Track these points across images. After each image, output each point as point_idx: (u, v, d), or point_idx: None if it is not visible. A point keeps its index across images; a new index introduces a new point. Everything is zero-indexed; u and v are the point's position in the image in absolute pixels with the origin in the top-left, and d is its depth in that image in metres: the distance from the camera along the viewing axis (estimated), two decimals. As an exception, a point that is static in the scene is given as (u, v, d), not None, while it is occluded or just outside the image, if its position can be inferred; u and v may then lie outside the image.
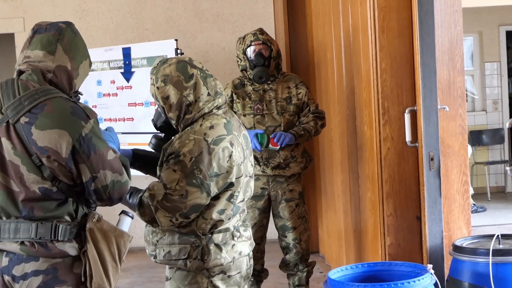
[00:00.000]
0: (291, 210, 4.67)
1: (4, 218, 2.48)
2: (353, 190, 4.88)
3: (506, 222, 7.38)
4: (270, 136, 4.50)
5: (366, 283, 3.24)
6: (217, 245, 2.86)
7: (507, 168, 3.44)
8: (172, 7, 7.08)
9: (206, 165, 2.76)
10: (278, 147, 4.51)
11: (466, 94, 9.38)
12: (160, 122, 2.97)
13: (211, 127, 2.82)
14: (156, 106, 2.98)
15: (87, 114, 2.46)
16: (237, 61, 4.72)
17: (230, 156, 2.83)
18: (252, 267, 3.08)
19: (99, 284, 2.48)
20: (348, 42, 4.82)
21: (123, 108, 5.89)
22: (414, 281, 3.15)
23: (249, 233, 3.02)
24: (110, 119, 5.98)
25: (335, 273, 3.44)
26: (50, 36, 2.53)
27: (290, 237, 4.69)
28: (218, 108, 2.91)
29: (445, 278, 3.68)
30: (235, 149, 2.86)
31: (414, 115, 3.89)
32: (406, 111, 3.91)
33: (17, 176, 2.43)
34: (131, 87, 5.85)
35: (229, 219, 2.90)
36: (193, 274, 2.87)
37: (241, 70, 4.71)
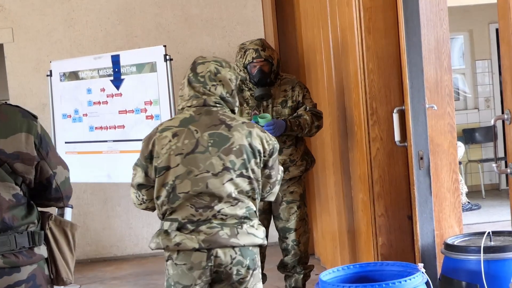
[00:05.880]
0: (292, 212, 4.66)
1: None
2: (346, 191, 4.88)
3: (500, 219, 7.36)
4: (263, 125, 4.39)
5: (357, 284, 3.24)
6: None
7: (494, 165, 3.43)
8: (161, 14, 7.07)
9: None
10: None
11: (458, 93, 9.47)
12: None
13: None
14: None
15: (32, 115, 2.55)
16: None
17: None
18: None
19: (66, 279, 2.58)
20: (336, 43, 4.82)
21: (114, 116, 5.87)
22: (405, 281, 3.14)
23: None
24: (101, 127, 5.96)
25: (327, 275, 3.43)
26: None
27: (290, 239, 4.68)
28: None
29: (438, 277, 3.68)
30: None
31: (402, 115, 3.89)
32: (395, 110, 3.91)
33: None
34: (121, 94, 5.82)
35: None
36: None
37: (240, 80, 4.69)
